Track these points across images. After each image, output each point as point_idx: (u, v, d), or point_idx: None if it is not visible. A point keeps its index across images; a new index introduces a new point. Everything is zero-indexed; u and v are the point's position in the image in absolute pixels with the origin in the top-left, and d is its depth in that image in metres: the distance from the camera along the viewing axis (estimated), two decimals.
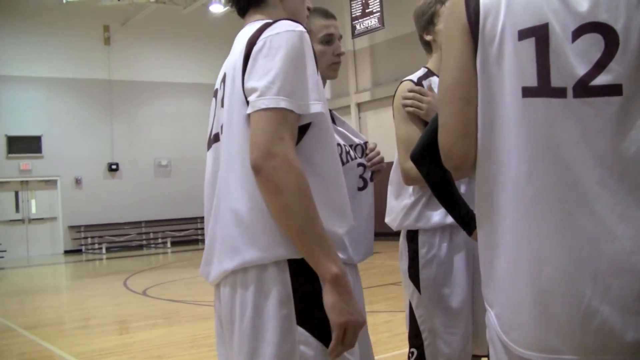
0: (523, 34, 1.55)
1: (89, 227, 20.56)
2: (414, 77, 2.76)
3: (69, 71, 20.37)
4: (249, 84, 1.69)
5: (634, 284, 1.42)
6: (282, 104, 1.63)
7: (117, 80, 21.14)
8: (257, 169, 1.62)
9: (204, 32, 21.80)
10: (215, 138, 1.87)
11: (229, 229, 1.72)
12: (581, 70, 1.49)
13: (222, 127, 1.82)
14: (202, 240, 19.22)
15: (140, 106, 21.66)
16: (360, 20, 17.38)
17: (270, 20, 1.78)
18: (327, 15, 2.56)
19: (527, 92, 1.54)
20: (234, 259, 1.69)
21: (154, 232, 21.62)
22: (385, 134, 9.98)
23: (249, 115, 1.68)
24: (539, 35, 1.53)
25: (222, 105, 1.82)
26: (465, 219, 2.21)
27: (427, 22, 2.75)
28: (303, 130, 1.73)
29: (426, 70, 2.80)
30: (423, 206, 2.62)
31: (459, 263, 2.61)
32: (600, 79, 1.48)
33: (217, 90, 1.91)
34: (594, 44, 1.49)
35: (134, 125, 21.51)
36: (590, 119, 1.48)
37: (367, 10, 16.99)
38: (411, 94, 2.62)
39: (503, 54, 1.57)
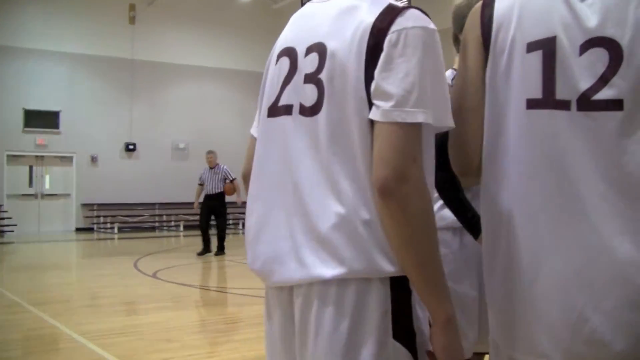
0: (531, 47, 1.58)
1: (102, 206, 20.54)
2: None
3: (92, 48, 20.31)
4: (382, 87, 1.49)
5: (627, 295, 1.45)
6: (421, 117, 1.46)
7: (140, 60, 21.10)
8: (386, 192, 1.44)
9: (231, 18, 21.74)
10: (286, 110, 1.65)
11: (329, 232, 1.52)
12: (585, 83, 1.52)
13: (309, 107, 1.60)
14: (233, 225, 19.62)
15: (161, 88, 21.61)
16: None
17: (395, 4, 1.58)
18: None
19: (532, 103, 1.57)
20: (336, 267, 1.50)
21: (167, 215, 21.58)
22: None
23: (371, 120, 1.50)
24: (547, 47, 1.56)
25: (313, 82, 1.59)
26: (472, 223, 2.26)
27: (463, 24, 2.59)
28: None
29: (454, 72, 2.67)
30: (440, 207, 2.53)
31: (469, 262, 2.59)
32: (603, 93, 1.50)
33: (292, 50, 1.68)
34: (599, 58, 1.51)
35: (154, 107, 21.48)
36: (592, 132, 1.51)
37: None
38: None
39: (511, 66, 1.61)
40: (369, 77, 1.51)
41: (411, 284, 1.51)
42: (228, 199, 13.38)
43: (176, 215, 21.35)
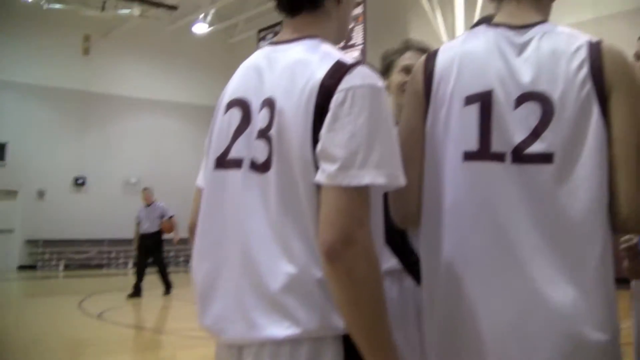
0: (469, 100, 1.65)
1: (48, 243, 19.82)
2: None
3: (43, 78, 19.82)
4: (327, 149, 1.46)
5: (560, 347, 1.50)
6: (367, 179, 1.43)
7: (93, 92, 20.73)
8: (332, 256, 1.41)
9: (187, 51, 21.59)
10: (235, 164, 1.62)
11: (280, 292, 1.49)
12: (519, 137, 1.58)
13: (260, 163, 1.57)
14: (176, 263, 19.20)
15: (114, 121, 21.22)
16: (343, 51, 17.23)
17: (344, 60, 1.56)
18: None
19: (468, 155, 1.63)
20: (289, 327, 1.47)
21: (116, 252, 20.96)
22: None
23: (318, 183, 1.47)
24: (483, 101, 1.63)
25: (264, 138, 1.57)
26: (415, 268, 2.20)
27: (385, 67, 2.80)
28: None
29: None
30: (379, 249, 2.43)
31: (409, 307, 2.56)
32: (535, 147, 1.57)
33: (245, 102, 1.65)
34: (532, 112, 1.59)
35: (106, 140, 21.04)
36: (525, 184, 1.57)
37: (349, 43, 16.86)
38: None
39: (450, 119, 1.68)
40: (315, 139, 1.48)
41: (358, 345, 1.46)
42: (166, 236, 12.93)
43: (125, 252, 20.68)
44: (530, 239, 1.55)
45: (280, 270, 1.50)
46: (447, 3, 12.69)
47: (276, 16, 1.83)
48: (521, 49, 1.67)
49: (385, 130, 1.49)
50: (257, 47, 18.41)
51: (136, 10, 18.08)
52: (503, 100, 1.61)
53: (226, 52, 21.49)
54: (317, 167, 1.47)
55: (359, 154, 1.43)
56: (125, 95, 21.20)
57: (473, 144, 1.63)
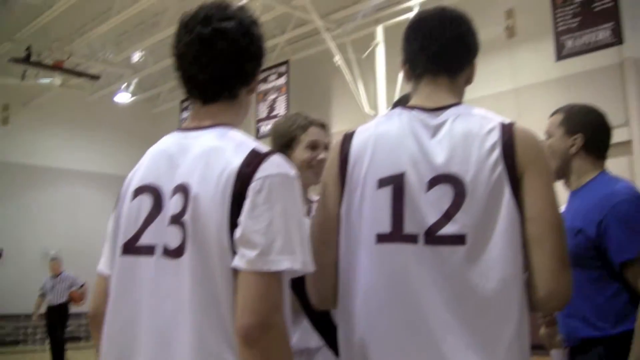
0: (382, 182, 1.67)
1: None
2: None
3: None
4: (246, 235, 1.49)
5: None
6: (285, 265, 1.48)
7: (11, 162, 20.09)
8: (250, 341, 1.43)
9: (109, 121, 21.35)
10: (147, 250, 1.63)
11: None
12: (431, 218, 1.61)
13: (173, 249, 1.57)
14: (88, 337, 18.36)
15: (34, 191, 20.56)
16: (265, 121, 17.43)
17: (258, 149, 1.61)
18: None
19: (381, 238, 1.65)
20: None
21: (33, 327, 20.02)
22: None
23: (235, 269, 1.50)
24: (396, 183, 1.65)
25: (177, 223, 1.57)
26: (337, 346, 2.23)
27: (285, 145, 2.78)
28: None
29: None
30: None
31: None
32: (447, 229, 1.60)
33: (155, 190, 1.65)
34: (444, 194, 1.61)
35: (24, 211, 20.30)
36: (438, 265, 1.59)
37: (272, 114, 17.07)
38: None
39: (363, 201, 1.70)
40: (232, 225, 1.51)
41: None
42: (75, 309, 12.43)
43: (43, 327, 19.85)
44: (443, 319, 1.56)
45: (194, 356, 1.50)
46: (369, 73, 13.14)
47: None
48: (435, 130, 1.69)
49: (298, 218, 1.54)
50: (180, 117, 18.36)
51: (57, 79, 17.88)
52: (415, 183, 1.63)
53: (149, 122, 21.36)
54: (233, 252, 1.50)
55: (277, 241, 1.47)
56: (45, 165, 20.66)
57: (386, 226, 1.64)
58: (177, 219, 1.58)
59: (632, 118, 9.49)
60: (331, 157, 1.83)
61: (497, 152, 1.62)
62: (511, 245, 1.60)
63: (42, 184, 20.75)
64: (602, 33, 8.34)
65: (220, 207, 1.53)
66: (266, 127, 17.58)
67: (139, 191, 1.69)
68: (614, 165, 2.98)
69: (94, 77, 17.79)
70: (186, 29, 1.72)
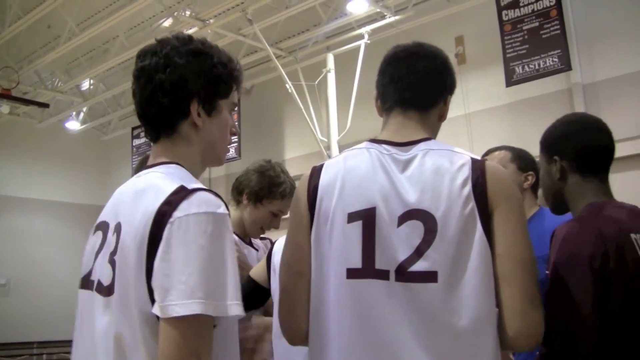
0: (352, 217, 1.64)
1: None
2: None
3: None
4: (159, 279, 1.41)
5: None
6: (198, 309, 1.36)
7: None
8: None
9: (59, 149, 20.97)
10: (97, 286, 1.58)
11: None
12: (402, 255, 1.58)
13: (106, 286, 1.53)
14: None
15: None
16: None
17: (185, 185, 1.50)
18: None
19: (352, 273, 1.61)
20: None
21: None
22: None
23: (155, 315, 1.41)
24: (366, 218, 1.62)
25: (110, 262, 1.53)
26: None
27: (257, 195, 2.90)
28: None
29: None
30: None
31: None
32: (418, 265, 1.56)
33: (106, 225, 1.62)
34: (415, 230, 1.59)
35: None
36: (410, 301, 1.55)
37: None
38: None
39: (333, 235, 1.66)
40: (149, 268, 1.42)
41: None
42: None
43: None
44: (415, 356, 1.52)
45: None
46: (321, 99, 13.18)
47: None
48: (405, 165, 1.67)
49: (220, 258, 1.43)
50: (131, 144, 18.08)
51: (5, 107, 17.51)
52: (386, 218, 1.60)
53: (100, 149, 21.06)
54: (152, 299, 1.42)
55: (189, 283, 1.37)
56: None
57: (357, 261, 1.61)
58: (110, 257, 1.53)
59: None
60: (299, 190, 1.80)
61: (468, 188, 1.61)
62: (484, 282, 1.57)
63: None
64: (551, 59, 8.49)
65: (139, 248, 1.44)
66: None
67: (97, 227, 1.67)
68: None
69: (43, 105, 17.47)
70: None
